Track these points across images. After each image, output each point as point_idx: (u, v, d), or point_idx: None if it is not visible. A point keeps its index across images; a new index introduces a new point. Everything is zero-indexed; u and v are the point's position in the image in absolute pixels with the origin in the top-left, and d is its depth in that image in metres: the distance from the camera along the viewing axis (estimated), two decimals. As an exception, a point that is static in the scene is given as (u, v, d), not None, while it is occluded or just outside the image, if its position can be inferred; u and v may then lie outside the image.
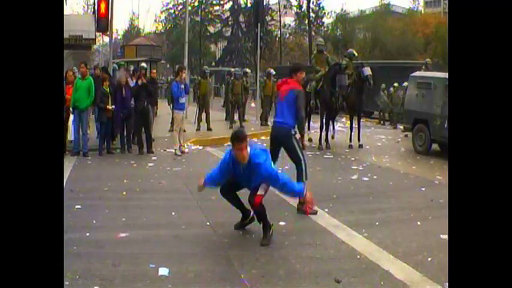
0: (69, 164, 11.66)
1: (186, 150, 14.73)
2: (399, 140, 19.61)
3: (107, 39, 26.40)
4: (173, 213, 7.98)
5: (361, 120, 18.02)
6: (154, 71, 14.22)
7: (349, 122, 17.31)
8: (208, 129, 19.41)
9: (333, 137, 17.12)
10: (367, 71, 16.00)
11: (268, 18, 63.39)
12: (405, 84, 22.86)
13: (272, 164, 6.74)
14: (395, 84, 24.60)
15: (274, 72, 24.15)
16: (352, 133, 16.67)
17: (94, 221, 7.37)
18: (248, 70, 26.13)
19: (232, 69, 25.57)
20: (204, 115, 19.89)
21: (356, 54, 17.72)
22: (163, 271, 5.57)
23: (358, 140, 16.66)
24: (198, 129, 19.29)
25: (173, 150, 14.24)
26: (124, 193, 9.36)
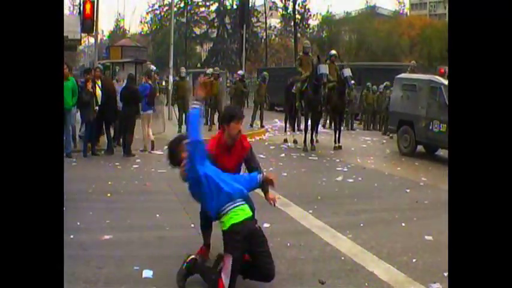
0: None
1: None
2: (384, 141, 19.71)
3: (92, 40, 26.29)
4: (157, 215, 7.96)
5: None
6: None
7: (332, 123, 17.35)
8: None
9: (317, 141, 17.07)
10: (347, 72, 16.06)
11: (253, 19, 63.54)
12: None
13: None
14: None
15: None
16: (337, 135, 16.73)
17: (78, 223, 7.32)
18: (241, 72, 25.93)
19: (208, 70, 25.39)
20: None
21: (335, 53, 17.69)
22: (147, 273, 5.55)
23: (338, 141, 16.68)
24: (180, 131, 19.22)
25: (146, 150, 14.67)
26: (108, 195, 9.32)
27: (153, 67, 19.63)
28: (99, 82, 13.86)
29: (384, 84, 23.57)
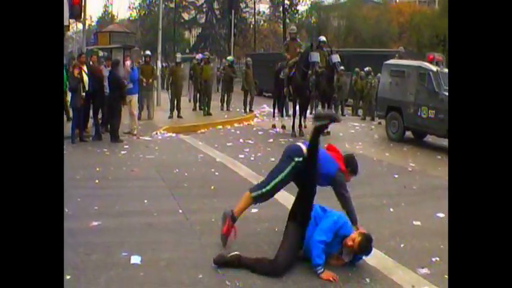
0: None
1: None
2: (373, 127, 19.74)
3: (80, 26, 26.09)
4: (145, 201, 7.94)
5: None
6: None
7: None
8: (179, 116, 19.27)
9: (305, 126, 16.94)
10: (336, 58, 15.97)
11: (242, 5, 63.27)
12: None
13: None
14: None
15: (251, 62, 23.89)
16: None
17: (66, 210, 7.24)
18: (230, 58, 25.78)
19: (197, 56, 25.45)
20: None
21: (325, 39, 17.54)
22: (135, 259, 5.54)
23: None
24: (171, 116, 19.14)
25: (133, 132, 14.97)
26: (97, 181, 9.28)
27: (147, 52, 19.74)
28: (84, 67, 13.73)
29: (366, 69, 23.45)
